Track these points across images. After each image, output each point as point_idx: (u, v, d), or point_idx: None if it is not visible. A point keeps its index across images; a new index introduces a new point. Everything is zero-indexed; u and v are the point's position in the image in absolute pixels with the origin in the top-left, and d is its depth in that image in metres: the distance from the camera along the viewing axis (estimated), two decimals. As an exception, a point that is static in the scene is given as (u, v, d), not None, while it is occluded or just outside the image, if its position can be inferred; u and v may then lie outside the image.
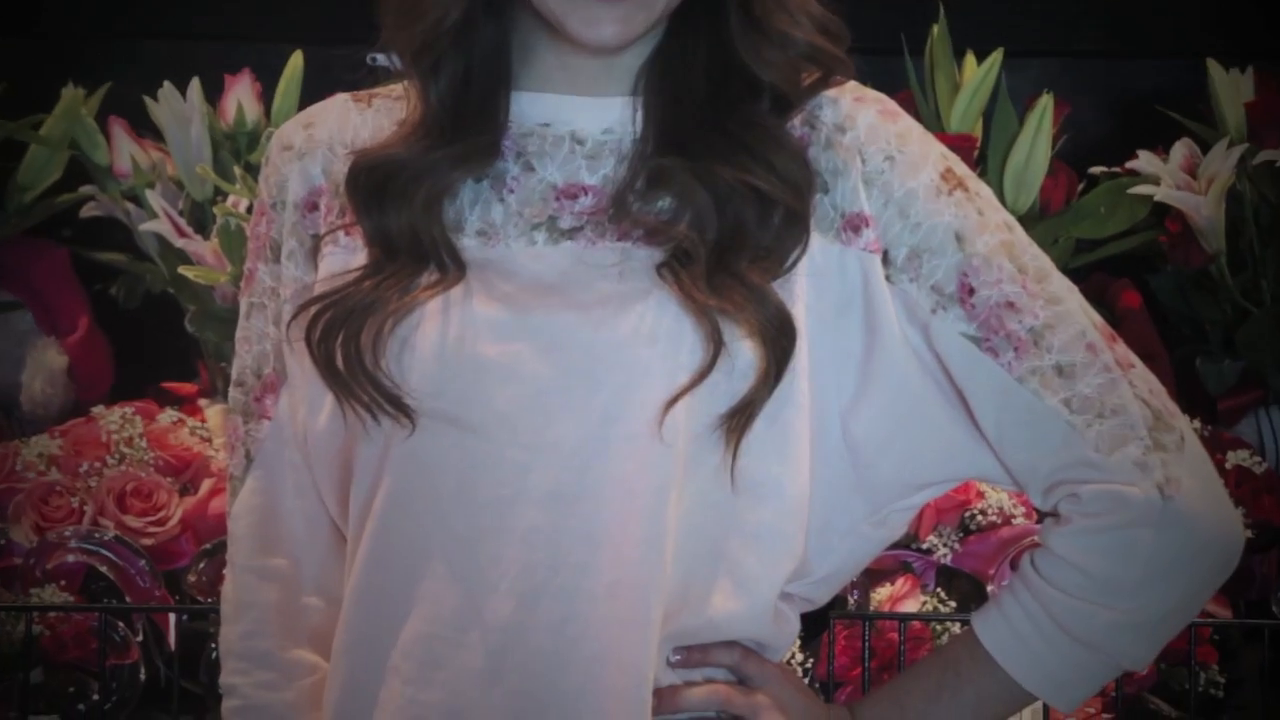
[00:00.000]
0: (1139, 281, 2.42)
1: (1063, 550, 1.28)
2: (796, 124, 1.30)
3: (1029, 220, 2.32)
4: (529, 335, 1.25)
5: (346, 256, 1.30)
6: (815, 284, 1.27)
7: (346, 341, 1.26)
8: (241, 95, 2.34)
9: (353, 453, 1.28)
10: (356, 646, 1.28)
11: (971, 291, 1.27)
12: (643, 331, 1.24)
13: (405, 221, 1.27)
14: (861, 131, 1.29)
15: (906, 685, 1.32)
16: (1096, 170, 2.39)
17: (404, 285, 1.27)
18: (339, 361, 1.26)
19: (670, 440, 1.23)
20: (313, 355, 1.28)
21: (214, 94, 2.34)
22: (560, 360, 1.24)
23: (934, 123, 2.31)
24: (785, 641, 1.32)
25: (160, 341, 2.39)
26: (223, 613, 1.39)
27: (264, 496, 1.36)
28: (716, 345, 1.23)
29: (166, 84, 2.30)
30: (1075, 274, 2.29)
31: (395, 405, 1.25)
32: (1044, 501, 1.30)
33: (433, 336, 1.26)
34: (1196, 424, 2.20)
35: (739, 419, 1.24)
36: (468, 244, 1.29)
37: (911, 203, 1.28)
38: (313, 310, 1.28)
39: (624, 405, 1.23)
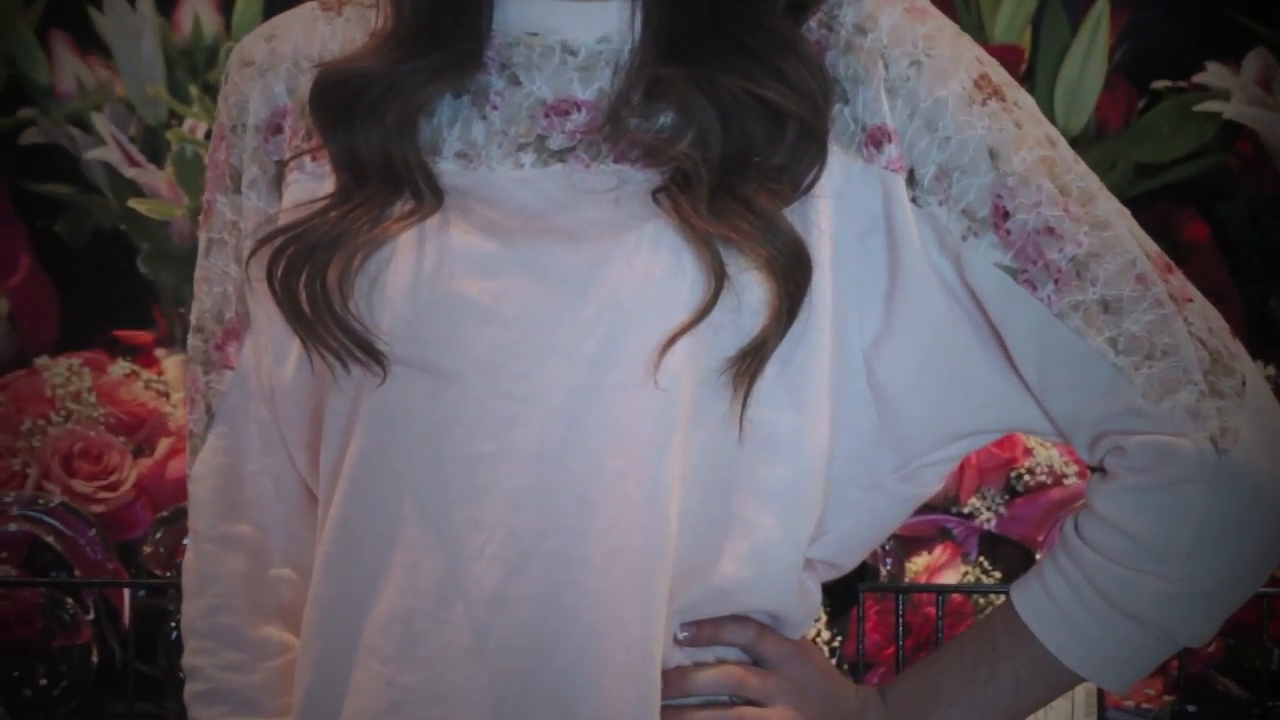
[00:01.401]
0: (1206, 210, 2.41)
1: (1107, 511, 1.26)
2: (813, 26, 1.28)
3: (1083, 142, 2.31)
4: (514, 270, 1.24)
5: (313, 184, 1.29)
6: (834, 207, 1.26)
7: (311, 280, 1.25)
8: (198, 5, 2.33)
9: (322, 405, 1.27)
10: (328, 623, 1.27)
11: (1007, 215, 1.25)
12: (637, 265, 1.23)
13: (376, 143, 1.26)
14: (884, 32, 1.27)
15: (941, 663, 1.31)
16: (1159, 85, 2.37)
17: (374, 215, 1.25)
18: (303, 302, 1.25)
19: (668, 386, 1.22)
20: (275, 296, 1.26)
21: (168, 4, 2.33)
22: (547, 298, 1.23)
23: (976, 32, 2.30)
24: (806, 615, 1.31)
25: (111, 284, 2.39)
26: (184, 586, 1.38)
27: (228, 456, 1.35)
28: (719, 278, 1.21)
29: (114, -9, 2.29)
30: (1135, 202, 2.28)
31: (366, 351, 1.24)
32: (1091, 455, 1.28)
33: (405, 273, 1.24)
34: (1271, 369, 2.20)
35: (748, 362, 1.22)
36: (446, 168, 1.27)
37: (940, 114, 1.26)
38: (274, 245, 1.26)
39: (617, 349, 1.22)
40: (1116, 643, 1.27)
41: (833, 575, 1.32)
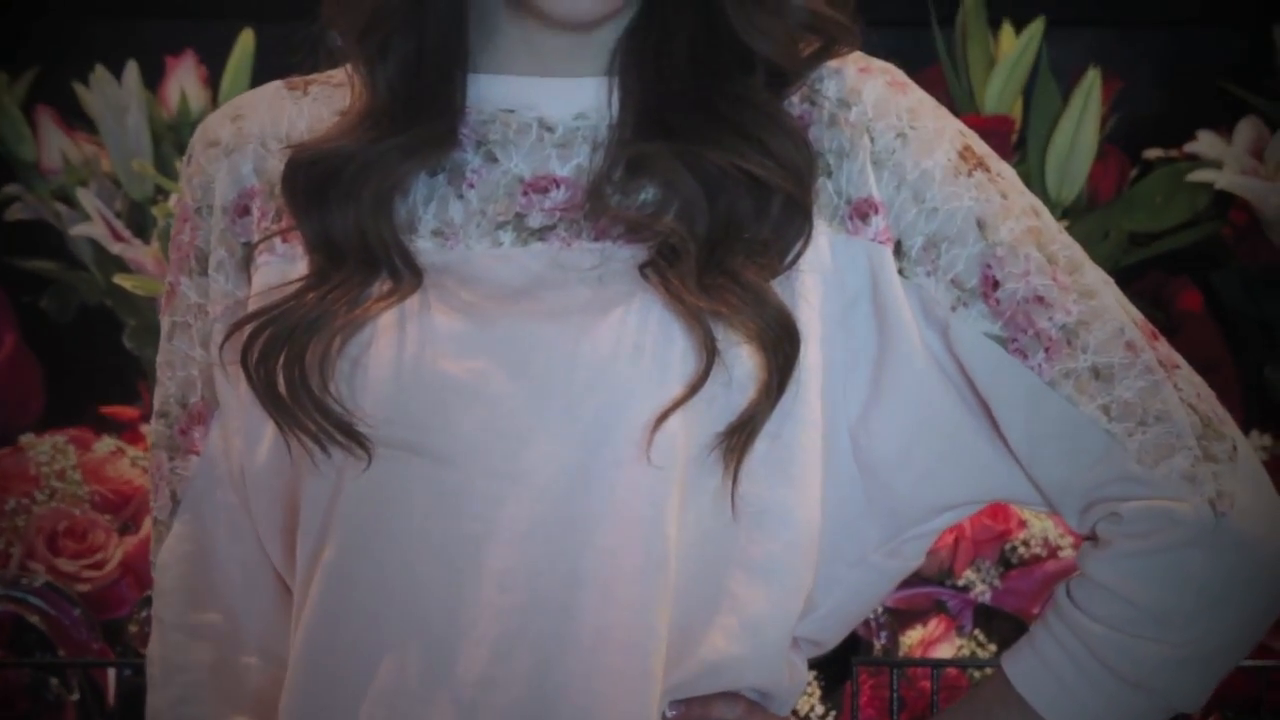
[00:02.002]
0: (1200, 280, 2.40)
1: (1104, 578, 1.25)
2: (795, 101, 1.28)
3: (1075, 211, 2.31)
4: (495, 349, 1.23)
5: (284, 266, 1.28)
6: (820, 281, 1.25)
7: (289, 363, 1.23)
8: (185, 80, 2.33)
9: (299, 490, 1.26)
10: (306, 714, 1.26)
11: (996, 285, 1.26)
12: (626, 340, 1.22)
13: (351, 223, 1.25)
14: (869, 106, 1.27)
15: None
16: (1151, 154, 2.37)
17: (352, 297, 1.24)
18: (281, 386, 1.24)
19: (662, 463, 1.21)
20: (250, 380, 1.25)
21: (154, 79, 2.33)
22: (532, 377, 1.22)
23: (967, 103, 2.30)
24: (794, 691, 1.29)
25: (96, 360, 2.38)
26: (149, 677, 1.36)
27: (194, 544, 1.34)
28: (710, 353, 1.21)
29: (100, 68, 2.29)
30: (1128, 271, 2.31)
31: (347, 434, 1.23)
32: (1080, 523, 1.28)
33: (387, 354, 1.23)
34: (1267, 439, 2.19)
35: (738, 437, 1.22)
36: (423, 246, 1.26)
37: (927, 185, 1.26)
38: (249, 329, 1.25)
39: (607, 425, 1.21)
40: (1115, 710, 1.26)
41: (816, 653, 1.31)
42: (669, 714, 1.25)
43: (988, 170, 1.27)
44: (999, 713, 1.28)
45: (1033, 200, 1.29)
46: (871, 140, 1.26)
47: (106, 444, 2.23)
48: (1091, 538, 1.27)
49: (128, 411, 2.34)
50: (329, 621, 1.24)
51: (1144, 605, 1.24)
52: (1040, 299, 1.25)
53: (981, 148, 1.29)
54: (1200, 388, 1.27)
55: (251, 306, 1.27)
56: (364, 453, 1.22)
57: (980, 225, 1.26)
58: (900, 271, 1.26)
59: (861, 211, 1.26)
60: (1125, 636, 1.25)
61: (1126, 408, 1.25)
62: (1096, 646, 1.25)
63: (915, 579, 2.05)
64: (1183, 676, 1.26)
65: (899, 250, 1.26)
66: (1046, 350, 1.25)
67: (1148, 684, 1.26)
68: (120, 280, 2.22)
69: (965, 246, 1.25)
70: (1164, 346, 1.28)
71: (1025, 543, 2.13)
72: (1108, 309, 1.26)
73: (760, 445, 1.22)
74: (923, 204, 1.26)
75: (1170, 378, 1.26)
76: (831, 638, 1.31)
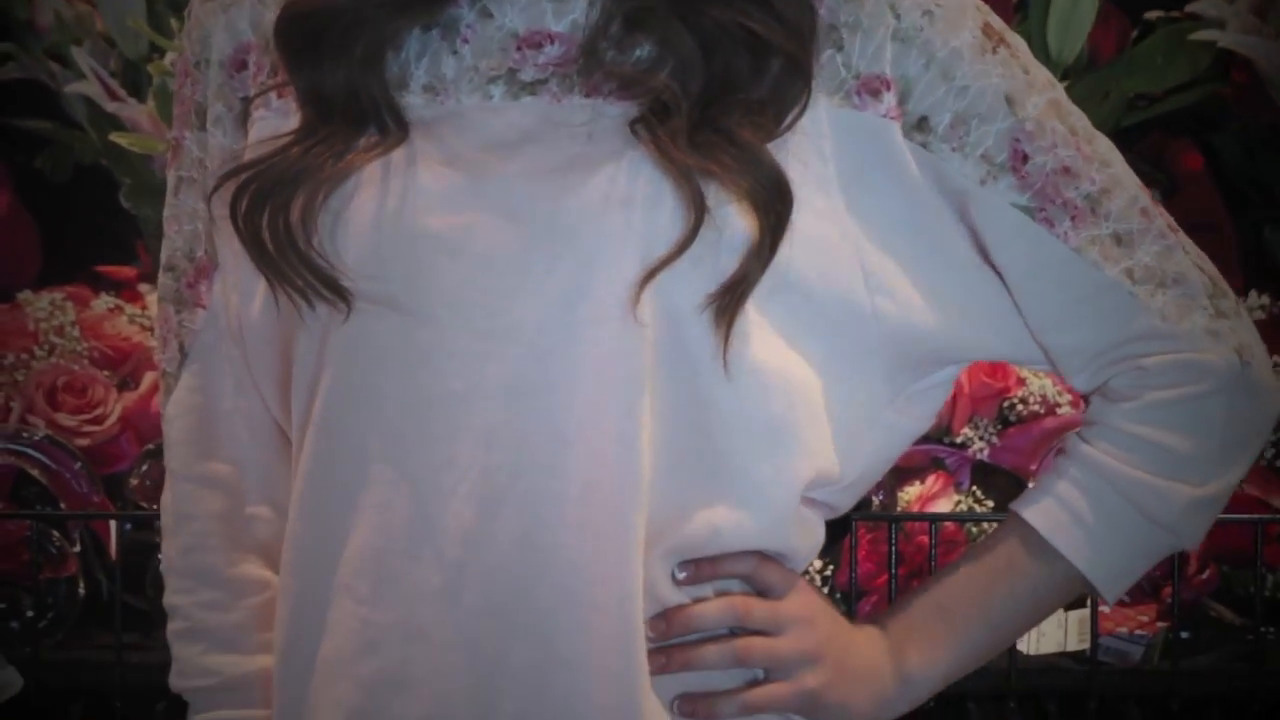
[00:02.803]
0: (1200, 141, 2.39)
1: (1132, 427, 1.30)
2: None
3: (1075, 72, 2.29)
4: (481, 204, 1.22)
5: (278, 121, 1.27)
6: (819, 148, 1.25)
7: (274, 216, 1.23)
8: (180, -67, 2.30)
9: (291, 345, 1.26)
10: (304, 563, 1.27)
11: (1025, 159, 1.28)
12: (614, 197, 1.21)
13: (342, 77, 1.24)
14: None
15: (947, 587, 1.32)
16: (1152, 15, 2.35)
17: (338, 151, 1.24)
18: (267, 239, 1.24)
19: (646, 321, 1.21)
20: (239, 233, 1.25)
21: (149, -70, 2.31)
22: (517, 232, 1.21)
23: (967, -39, 2.27)
24: (808, 552, 1.30)
25: (92, 219, 2.37)
26: (163, 526, 1.38)
27: (202, 395, 1.35)
28: (699, 211, 1.20)
29: (92, -82, 2.27)
30: (1129, 133, 2.29)
31: (330, 288, 1.22)
32: (1090, 381, 1.31)
33: (369, 207, 1.23)
34: (1265, 298, 2.19)
35: (729, 298, 1.21)
36: (413, 101, 1.25)
37: (956, 63, 1.26)
38: (238, 181, 1.25)
39: (591, 281, 1.21)
40: (1133, 549, 1.32)
41: (830, 516, 1.32)
42: (678, 574, 1.25)
43: (1008, 46, 1.29)
44: (1022, 560, 1.31)
45: (1048, 73, 1.31)
46: (897, 17, 1.26)
47: (105, 301, 2.23)
48: (1100, 394, 1.31)
49: (125, 271, 2.33)
50: (320, 477, 1.25)
51: (1174, 449, 1.30)
52: (1066, 170, 1.28)
53: (997, 22, 1.30)
54: (1198, 250, 1.33)
55: (244, 160, 1.27)
56: (345, 306, 1.22)
57: (1009, 101, 1.27)
58: (924, 145, 1.26)
59: (872, 88, 1.26)
60: (1157, 479, 1.30)
61: (1147, 271, 1.29)
62: (1128, 489, 1.30)
63: (912, 437, 2.06)
64: (1199, 516, 1.32)
65: (922, 125, 1.26)
66: (1073, 219, 1.28)
67: (1171, 523, 1.31)
68: (116, 138, 2.20)
69: (994, 123, 1.27)
70: (1165, 212, 1.33)
71: (1024, 400, 2.14)
72: (1123, 177, 1.31)
73: (753, 307, 1.22)
74: (952, 81, 1.26)
75: (1179, 241, 1.31)
76: (848, 502, 1.32)
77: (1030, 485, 1.36)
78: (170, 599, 1.37)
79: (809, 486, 1.27)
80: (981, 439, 2.12)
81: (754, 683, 1.28)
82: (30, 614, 2.01)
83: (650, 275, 1.20)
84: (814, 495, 1.28)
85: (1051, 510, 1.31)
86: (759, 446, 1.24)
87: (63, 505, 2.07)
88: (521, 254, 1.21)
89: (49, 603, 2.05)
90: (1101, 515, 1.30)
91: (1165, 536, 1.31)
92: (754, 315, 1.23)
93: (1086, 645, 2.03)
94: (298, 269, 1.23)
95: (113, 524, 2.05)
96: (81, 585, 2.06)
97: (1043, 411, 2.13)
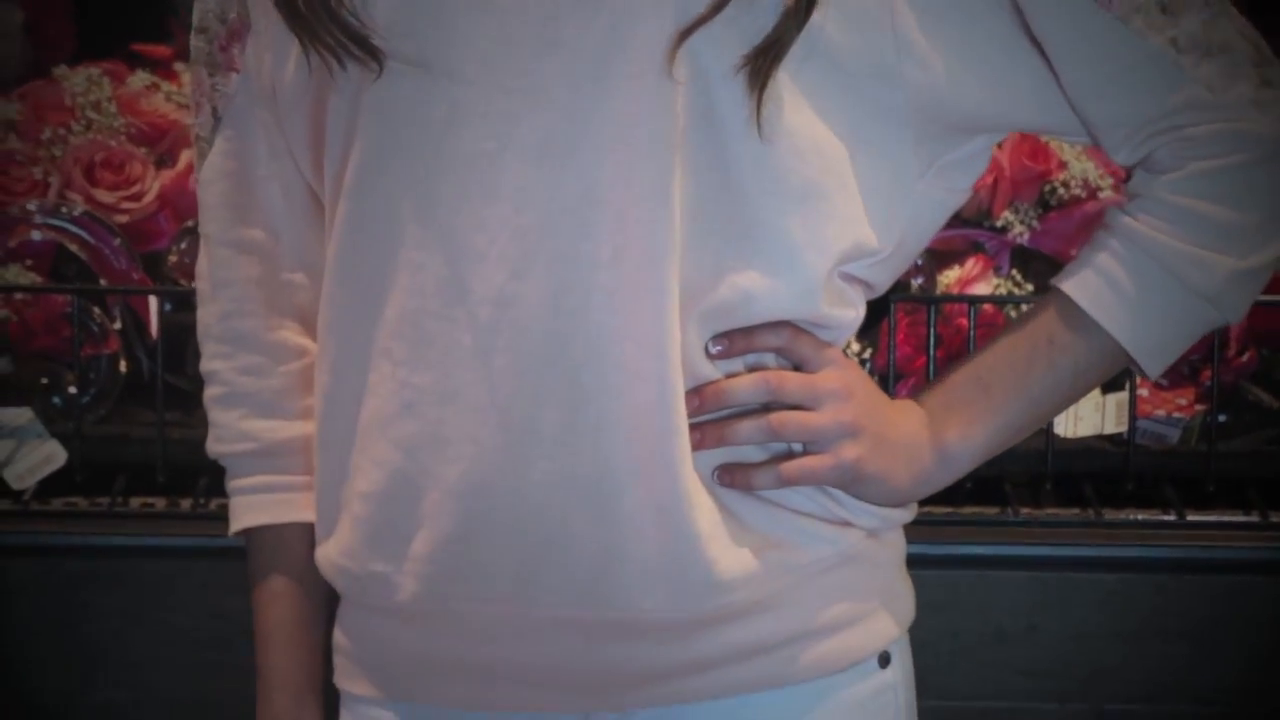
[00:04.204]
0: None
1: (1175, 198, 1.28)
2: None
3: None
4: None
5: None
6: None
7: None
8: None
9: (323, 108, 1.25)
10: (342, 326, 1.27)
11: None
12: None
13: None
14: None
15: (986, 362, 1.32)
16: None
17: None
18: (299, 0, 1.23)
19: (681, 79, 1.19)
20: None
21: None
22: None
23: None
24: (845, 326, 1.29)
25: (127, -1, 2.35)
26: (199, 292, 1.38)
27: (236, 160, 1.34)
28: None
29: None
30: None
31: (362, 46, 1.22)
32: (1133, 154, 1.29)
33: None
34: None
35: (764, 59, 1.20)
36: None
37: None
38: None
39: (626, 37, 1.19)
40: (1173, 321, 1.29)
41: (869, 296, 1.31)
42: (712, 349, 1.25)
43: None
44: (1063, 335, 1.30)
45: None
46: None
47: (141, 78, 2.21)
48: (1143, 166, 1.29)
49: (160, 49, 2.31)
50: (355, 240, 1.25)
51: (1217, 220, 1.28)
52: None
53: None
54: (1242, 18, 1.29)
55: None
56: (376, 65, 1.21)
57: None
58: None
59: None
60: (1199, 250, 1.28)
61: (1192, 39, 1.26)
62: (1170, 260, 1.28)
63: (953, 220, 2.04)
64: (1241, 288, 1.29)
65: None
66: None
67: (1214, 295, 1.29)
68: (151, -90, 2.18)
69: None
70: None
71: (1065, 184, 2.11)
72: None
73: (787, 71, 1.21)
74: None
75: (1225, 8, 1.28)
76: (885, 280, 1.31)
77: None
78: (208, 364, 1.38)
79: (844, 258, 1.26)
80: (1022, 223, 2.11)
81: (790, 454, 1.28)
82: (73, 390, 2.01)
83: (687, 33, 1.19)
84: (851, 270, 1.28)
85: (1092, 282, 1.29)
86: (790, 208, 1.23)
87: (102, 281, 2.07)
88: (554, 8, 1.20)
89: (91, 378, 2.05)
90: (1142, 287, 1.29)
91: (1206, 309, 1.29)
92: (785, 80, 1.21)
93: (1124, 428, 2.03)
94: (329, 28, 1.22)
95: (152, 302, 2.05)
96: (123, 363, 2.06)
97: (1084, 195, 2.11)
